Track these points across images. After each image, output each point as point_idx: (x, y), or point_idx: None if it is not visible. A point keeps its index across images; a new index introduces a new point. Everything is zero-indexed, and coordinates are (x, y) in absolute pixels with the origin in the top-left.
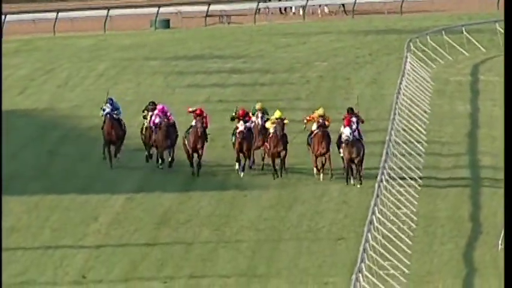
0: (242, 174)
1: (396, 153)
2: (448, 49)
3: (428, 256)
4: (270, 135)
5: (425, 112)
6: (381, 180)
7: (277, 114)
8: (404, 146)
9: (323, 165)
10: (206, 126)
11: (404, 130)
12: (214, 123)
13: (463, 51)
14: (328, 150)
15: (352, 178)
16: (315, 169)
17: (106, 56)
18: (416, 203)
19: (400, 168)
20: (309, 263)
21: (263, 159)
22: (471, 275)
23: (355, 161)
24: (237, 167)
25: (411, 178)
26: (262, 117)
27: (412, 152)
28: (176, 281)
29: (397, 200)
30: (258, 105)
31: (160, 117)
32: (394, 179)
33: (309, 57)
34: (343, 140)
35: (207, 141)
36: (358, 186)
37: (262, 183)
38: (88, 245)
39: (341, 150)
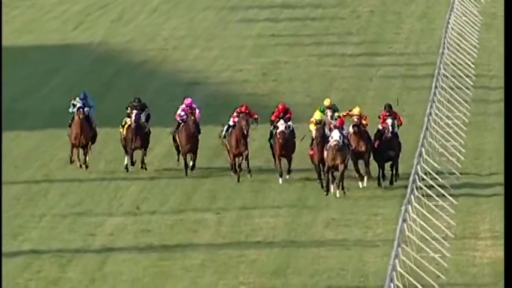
0: (281, 181)
1: (445, 86)
2: None
3: (476, 188)
4: (314, 141)
5: (473, 46)
6: (430, 113)
7: (318, 115)
8: (453, 79)
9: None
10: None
11: (453, 64)
12: (266, 57)
13: None
14: (367, 149)
15: (332, 187)
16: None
17: None
18: (464, 135)
19: (449, 101)
20: (359, 194)
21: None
22: None
23: (339, 168)
24: (280, 181)
25: (460, 111)
26: (332, 116)
27: (461, 86)
28: (228, 212)
29: (445, 132)
30: (326, 102)
31: (186, 113)
32: (442, 112)
33: None
34: (330, 143)
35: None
36: (338, 195)
37: (312, 116)
38: (142, 177)
39: (324, 154)
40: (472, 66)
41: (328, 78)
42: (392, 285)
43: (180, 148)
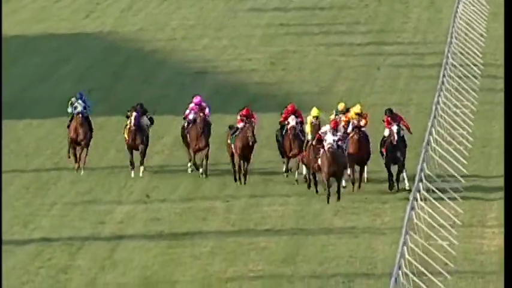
0: (286, 175)
1: (453, 75)
2: None
3: (484, 176)
4: (309, 143)
5: (481, 35)
6: (438, 102)
7: (315, 112)
8: (461, 68)
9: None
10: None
11: (460, 53)
12: (275, 46)
13: None
14: (366, 154)
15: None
16: (349, 171)
17: None
18: (472, 124)
19: (457, 90)
20: (368, 183)
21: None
22: None
23: (336, 175)
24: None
25: (468, 100)
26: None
27: (469, 75)
28: (237, 200)
29: (453, 121)
30: (340, 106)
31: (195, 112)
32: (450, 100)
33: None
34: (325, 148)
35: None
36: (338, 201)
37: (320, 105)
38: (152, 164)
39: (319, 161)
40: (480, 55)
41: (336, 67)
42: (400, 272)
43: (189, 147)
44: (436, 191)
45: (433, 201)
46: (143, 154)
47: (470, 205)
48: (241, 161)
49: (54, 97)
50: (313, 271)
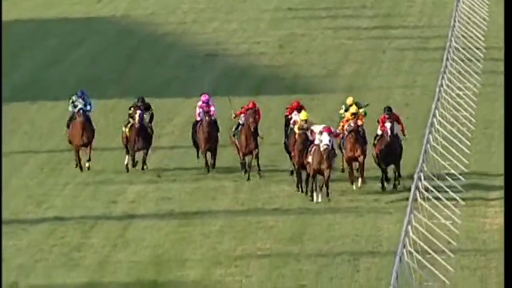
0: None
1: (456, 58)
2: None
3: (486, 156)
4: (295, 142)
5: (483, 19)
6: (442, 85)
7: (304, 115)
8: (464, 51)
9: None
10: (257, 122)
11: (463, 36)
12: (283, 30)
13: None
14: (362, 153)
15: (315, 193)
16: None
17: None
18: (475, 106)
19: (460, 73)
20: (373, 163)
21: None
22: None
23: (324, 173)
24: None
25: (470, 82)
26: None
27: (472, 58)
28: (246, 180)
29: (456, 103)
30: (349, 100)
31: (203, 110)
32: (454, 83)
33: None
34: (321, 147)
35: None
36: (320, 200)
37: (328, 88)
38: (163, 145)
39: (309, 158)
40: (482, 38)
41: (343, 50)
42: (405, 250)
43: (198, 147)
44: (440, 172)
45: (437, 181)
46: (146, 154)
47: (472, 184)
48: (247, 158)
49: (67, 80)
50: (320, 249)
